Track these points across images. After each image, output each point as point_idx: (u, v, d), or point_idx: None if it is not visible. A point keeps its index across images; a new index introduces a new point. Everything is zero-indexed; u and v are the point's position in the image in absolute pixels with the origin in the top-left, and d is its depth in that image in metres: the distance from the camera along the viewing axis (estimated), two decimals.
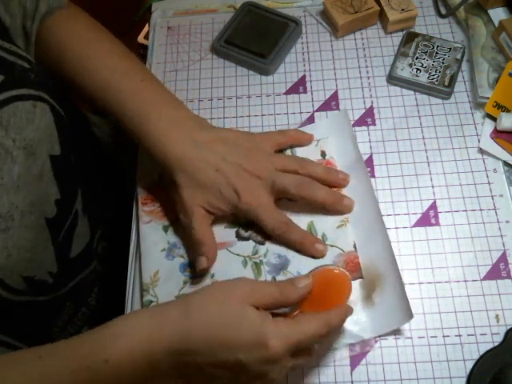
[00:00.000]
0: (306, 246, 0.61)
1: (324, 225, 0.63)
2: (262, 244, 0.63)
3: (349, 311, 0.54)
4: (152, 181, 0.68)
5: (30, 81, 0.59)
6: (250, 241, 0.63)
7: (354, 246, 0.62)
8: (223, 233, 0.64)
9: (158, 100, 0.64)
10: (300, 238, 0.61)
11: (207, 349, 0.48)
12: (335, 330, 0.54)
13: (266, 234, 0.62)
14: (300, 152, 0.68)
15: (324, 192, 0.62)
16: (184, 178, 0.61)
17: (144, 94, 0.64)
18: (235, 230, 0.64)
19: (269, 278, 0.61)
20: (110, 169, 0.87)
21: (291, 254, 0.62)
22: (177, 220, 0.64)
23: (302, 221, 0.63)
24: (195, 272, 0.61)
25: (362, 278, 0.60)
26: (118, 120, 0.64)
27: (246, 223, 0.64)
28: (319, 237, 0.62)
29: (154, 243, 0.64)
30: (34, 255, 0.59)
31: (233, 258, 0.62)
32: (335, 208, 0.63)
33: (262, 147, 0.64)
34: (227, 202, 0.60)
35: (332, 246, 0.62)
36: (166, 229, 0.65)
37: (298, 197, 0.61)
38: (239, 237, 0.63)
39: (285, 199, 0.63)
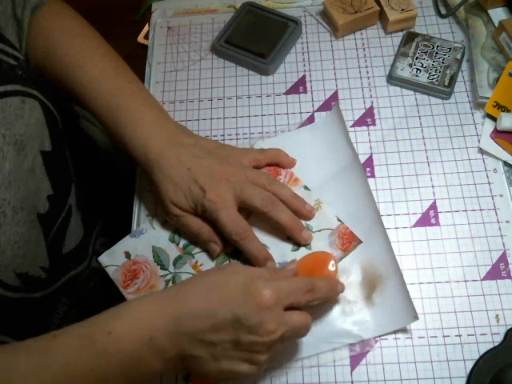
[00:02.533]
0: (259, 260, 0.60)
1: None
2: None
3: (337, 282, 0.57)
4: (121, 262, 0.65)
5: (17, 77, 0.59)
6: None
7: (339, 220, 0.63)
8: None
9: (144, 102, 0.65)
10: (256, 250, 0.60)
11: (205, 310, 0.50)
12: (324, 296, 0.55)
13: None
14: None
15: (288, 216, 0.61)
16: (160, 175, 0.62)
17: (131, 96, 0.65)
18: (226, 263, 0.63)
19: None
20: (107, 164, 0.87)
21: (290, 258, 0.61)
22: (167, 282, 0.62)
23: None
24: None
25: (361, 242, 0.62)
26: (101, 117, 0.65)
27: (235, 253, 0.63)
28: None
29: None
30: (27, 251, 0.60)
31: None
32: (292, 235, 0.62)
33: (238, 159, 0.64)
34: (194, 198, 0.61)
35: (320, 230, 0.63)
36: None
37: (260, 211, 0.61)
38: (238, 251, 0.62)
39: None
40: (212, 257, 0.63)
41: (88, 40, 0.68)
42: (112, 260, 0.64)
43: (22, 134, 0.58)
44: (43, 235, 0.63)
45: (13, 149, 0.56)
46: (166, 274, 0.63)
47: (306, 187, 0.66)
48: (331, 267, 0.59)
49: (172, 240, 0.64)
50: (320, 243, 0.62)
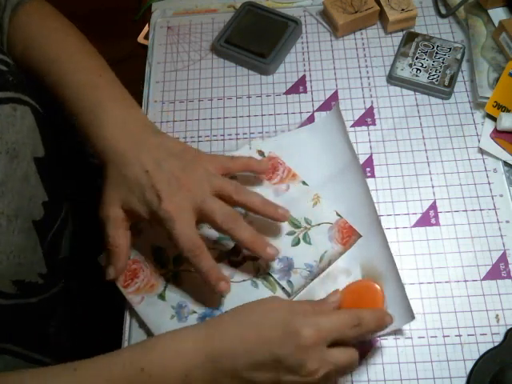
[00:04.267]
0: (210, 280, 0.57)
1: (300, 211, 0.64)
2: (259, 259, 0.62)
3: (385, 314, 0.53)
4: None
5: (8, 83, 0.58)
6: (247, 262, 0.62)
7: (338, 214, 0.63)
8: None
9: (113, 96, 0.62)
10: (209, 267, 0.57)
11: (243, 349, 0.48)
12: (373, 329, 0.53)
13: None
14: (238, 153, 0.68)
15: (249, 234, 0.57)
16: (112, 171, 0.58)
17: (100, 88, 0.62)
18: (226, 260, 0.62)
19: (284, 283, 0.60)
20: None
21: (290, 253, 0.62)
22: (168, 280, 0.62)
23: None
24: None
25: (361, 236, 0.62)
26: (69, 108, 0.62)
27: (232, 248, 0.62)
28: (302, 223, 0.63)
29: (159, 316, 0.60)
30: (23, 259, 0.58)
31: (240, 286, 0.61)
32: (257, 253, 0.58)
33: (205, 166, 0.59)
34: (147, 205, 0.57)
35: (319, 224, 0.63)
36: (162, 296, 0.61)
37: (220, 227, 0.57)
38: (234, 265, 0.62)
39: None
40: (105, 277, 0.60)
41: (64, 35, 0.67)
42: None
43: (14, 142, 0.56)
44: (40, 242, 0.61)
45: (5, 157, 0.55)
46: (167, 273, 0.62)
47: (304, 182, 0.66)
48: (380, 301, 0.56)
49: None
50: (319, 237, 0.62)
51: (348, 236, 0.62)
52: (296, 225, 0.63)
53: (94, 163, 0.82)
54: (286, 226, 0.63)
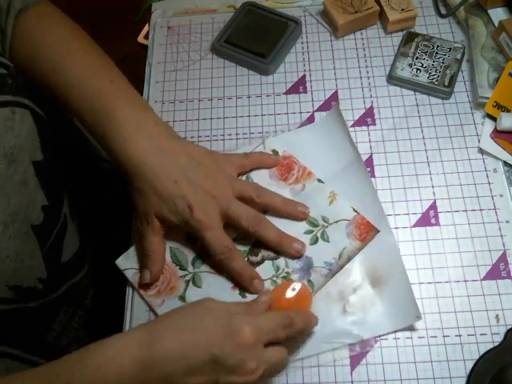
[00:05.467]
0: (244, 279, 0.59)
1: (318, 209, 0.64)
2: (278, 258, 0.62)
3: (312, 315, 0.55)
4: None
5: (7, 87, 0.58)
6: (266, 262, 0.62)
7: (355, 210, 0.63)
8: None
9: (126, 102, 0.62)
10: (241, 267, 0.59)
11: (179, 355, 0.48)
12: (300, 329, 0.54)
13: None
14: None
15: (275, 233, 0.61)
16: (142, 185, 0.59)
17: (112, 96, 0.62)
18: (245, 260, 0.62)
19: (304, 283, 0.60)
20: (102, 169, 0.85)
21: (309, 252, 0.61)
22: (187, 282, 0.62)
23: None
24: None
25: (379, 231, 0.62)
26: (84, 120, 0.63)
27: (250, 248, 0.62)
28: (319, 222, 0.63)
29: None
30: (21, 263, 0.58)
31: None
32: (283, 251, 0.61)
33: (225, 169, 0.62)
34: (179, 215, 0.59)
35: (337, 221, 0.63)
36: (182, 298, 0.61)
37: (247, 230, 0.60)
38: (253, 264, 0.62)
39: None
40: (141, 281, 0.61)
41: (71, 40, 0.66)
42: (130, 263, 0.63)
43: (13, 146, 0.56)
44: (39, 246, 0.61)
45: (3, 161, 0.55)
46: (186, 275, 0.62)
47: (319, 180, 0.66)
48: (307, 303, 0.58)
49: (188, 239, 0.63)
50: (337, 234, 0.62)
51: (366, 232, 0.62)
52: (313, 223, 0.63)
53: (97, 164, 0.83)
54: (303, 225, 0.63)
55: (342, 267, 0.61)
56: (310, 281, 0.60)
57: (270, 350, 0.51)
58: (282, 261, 0.61)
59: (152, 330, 0.50)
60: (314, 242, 0.62)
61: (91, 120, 0.62)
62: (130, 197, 0.62)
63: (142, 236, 0.61)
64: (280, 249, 0.61)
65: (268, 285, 0.60)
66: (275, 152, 0.68)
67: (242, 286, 0.60)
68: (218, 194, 0.60)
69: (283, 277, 0.61)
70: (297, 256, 0.61)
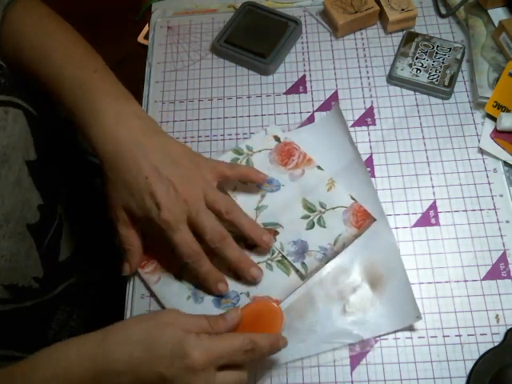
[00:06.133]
0: (209, 283, 0.59)
1: (315, 195, 0.65)
2: (273, 241, 0.63)
3: (280, 338, 0.53)
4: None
5: (0, 86, 0.58)
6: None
7: (352, 198, 0.64)
8: None
9: (108, 94, 0.61)
10: (207, 273, 0.59)
11: (128, 369, 0.48)
12: (266, 352, 0.52)
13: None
14: (255, 138, 0.69)
15: (235, 253, 0.59)
16: (114, 175, 0.58)
17: (95, 86, 0.61)
18: (242, 243, 0.62)
19: (298, 266, 0.61)
20: (98, 168, 0.85)
21: (304, 236, 0.62)
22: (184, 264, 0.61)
23: (296, 201, 0.64)
24: (232, 301, 0.60)
25: (375, 220, 0.63)
26: (67, 110, 0.62)
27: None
28: (317, 207, 0.64)
29: (175, 296, 0.61)
30: (16, 263, 0.58)
31: None
32: (240, 273, 0.60)
33: (203, 174, 0.60)
34: (147, 211, 0.58)
35: (334, 208, 0.63)
36: (179, 276, 0.62)
37: (208, 243, 0.58)
38: (249, 247, 0.62)
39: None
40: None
41: (55, 31, 0.65)
42: None
43: (5, 146, 0.56)
44: (35, 245, 0.61)
45: None
46: None
47: (319, 167, 0.67)
48: (279, 323, 0.55)
49: None
50: (334, 220, 0.63)
51: (362, 219, 0.63)
52: (311, 209, 0.64)
53: (92, 162, 0.82)
54: (300, 210, 0.64)
55: (337, 253, 0.62)
56: (303, 263, 0.61)
57: (224, 374, 0.50)
58: (277, 244, 0.62)
59: (104, 340, 0.49)
60: (311, 227, 0.63)
61: (73, 108, 0.61)
62: (102, 186, 0.61)
63: (115, 230, 0.61)
64: (237, 271, 0.60)
65: (263, 267, 0.61)
66: (277, 138, 0.69)
67: (206, 288, 0.60)
68: (190, 198, 0.58)
69: (278, 260, 0.61)
70: (253, 282, 0.60)
